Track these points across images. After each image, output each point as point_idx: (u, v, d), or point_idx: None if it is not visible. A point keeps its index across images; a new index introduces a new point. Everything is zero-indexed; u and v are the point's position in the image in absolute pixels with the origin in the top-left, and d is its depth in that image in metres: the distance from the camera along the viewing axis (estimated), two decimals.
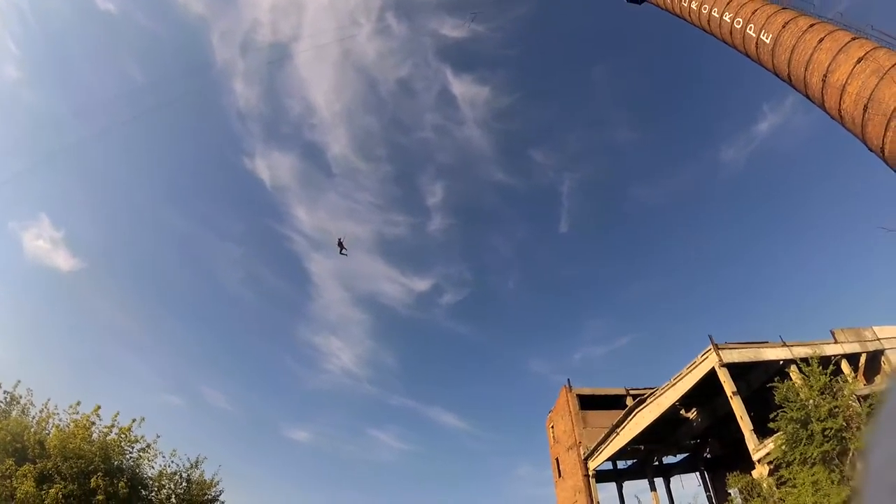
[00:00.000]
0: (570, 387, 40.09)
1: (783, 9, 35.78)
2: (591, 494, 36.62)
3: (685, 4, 43.00)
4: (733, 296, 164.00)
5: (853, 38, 31.03)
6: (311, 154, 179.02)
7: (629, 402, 39.16)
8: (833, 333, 32.68)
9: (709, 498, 40.63)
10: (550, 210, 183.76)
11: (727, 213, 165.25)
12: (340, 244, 45.01)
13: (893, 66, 28.58)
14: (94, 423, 24.85)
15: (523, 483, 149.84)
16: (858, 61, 29.95)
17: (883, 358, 32.38)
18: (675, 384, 32.75)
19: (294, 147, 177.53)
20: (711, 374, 30.56)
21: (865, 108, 29.56)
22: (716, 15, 40.11)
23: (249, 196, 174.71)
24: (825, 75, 31.66)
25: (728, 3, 39.03)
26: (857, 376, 30.39)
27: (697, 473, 43.58)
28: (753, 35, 36.74)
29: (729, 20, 38.82)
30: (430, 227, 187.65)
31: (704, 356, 31.05)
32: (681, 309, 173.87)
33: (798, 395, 25.78)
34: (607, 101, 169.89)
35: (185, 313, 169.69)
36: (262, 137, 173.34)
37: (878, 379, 31.38)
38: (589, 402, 40.36)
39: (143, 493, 25.84)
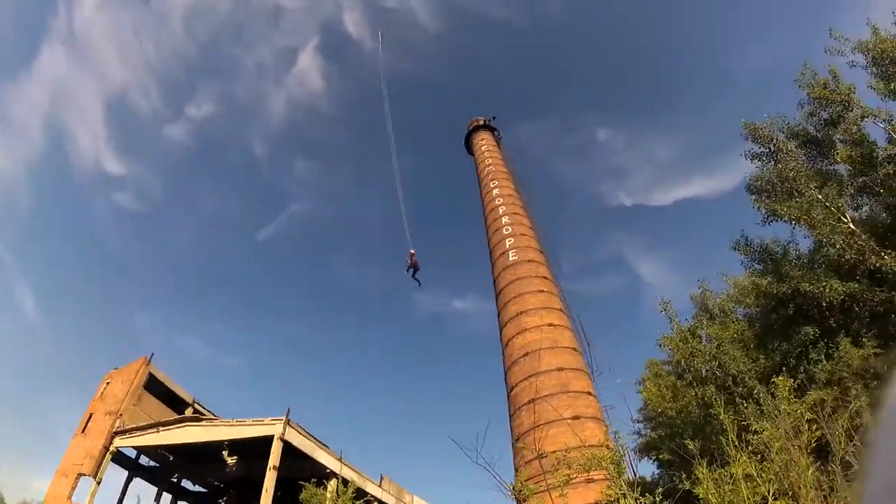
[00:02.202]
0: (149, 361, 38.69)
1: (541, 252, 42.60)
2: (99, 466, 34.53)
3: (492, 205, 48.43)
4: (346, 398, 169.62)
5: (560, 310, 37.87)
6: None
7: (189, 412, 38.54)
8: (382, 478, 36.10)
9: None
10: None
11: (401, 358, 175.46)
12: (414, 265, 36.28)
13: (564, 348, 35.19)
14: None
15: (50, 408, 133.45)
16: (550, 325, 36.38)
17: None
18: (237, 426, 33.20)
19: None
20: (269, 439, 31.72)
21: (526, 354, 35.52)
22: (501, 213, 46.32)
23: None
24: (523, 311, 37.74)
25: (514, 213, 45.55)
26: None
27: None
28: (506, 247, 42.78)
29: (505, 222, 45.01)
30: None
31: (274, 421, 32.00)
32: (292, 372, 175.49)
33: (321, 502, 27.81)
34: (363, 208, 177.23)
35: None
36: None
37: None
38: (155, 387, 38.70)
39: None
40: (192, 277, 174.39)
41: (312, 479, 28.67)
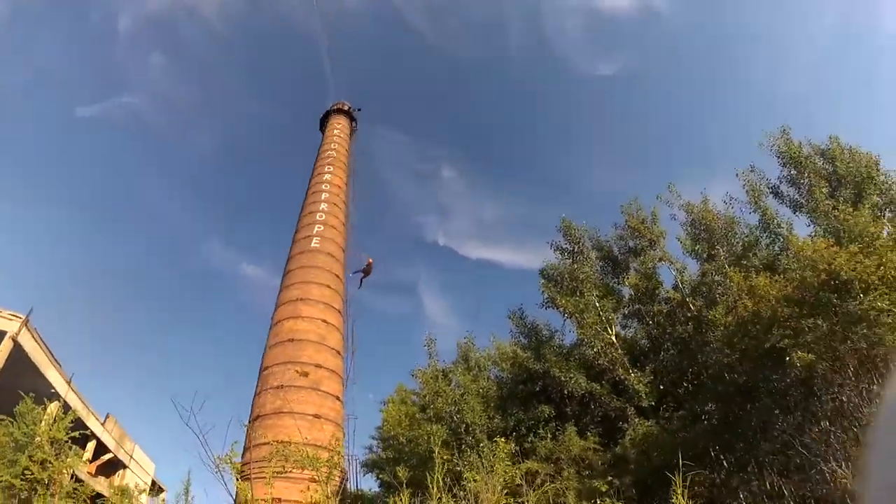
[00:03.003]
0: None
1: (344, 251, 43.87)
2: None
3: (317, 188, 48.57)
4: None
5: (339, 311, 39.72)
6: None
7: None
8: (107, 417, 32.38)
9: None
10: None
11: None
12: (367, 272, 39.03)
13: (329, 348, 36.90)
14: None
15: None
16: (324, 321, 37.82)
17: (120, 473, 33.56)
18: None
19: None
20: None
21: (292, 340, 36.32)
22: (322, 199, 46.82)
23: None
24: (303, 299, 38.83)
25: (334, 204, 46.61)
26: (88, 461, 30.72)
27: None
28: (313, 232, 43.33)
29: (322, 209, 45.57)
30: None
31: (12, 317, 27.68)
32: None
33: (33, 423, 26.15)
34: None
35: None
36: None
37: (114, 478, 32.64)
38: None
39: None
40: None
41: (31, 393, 26.77)
